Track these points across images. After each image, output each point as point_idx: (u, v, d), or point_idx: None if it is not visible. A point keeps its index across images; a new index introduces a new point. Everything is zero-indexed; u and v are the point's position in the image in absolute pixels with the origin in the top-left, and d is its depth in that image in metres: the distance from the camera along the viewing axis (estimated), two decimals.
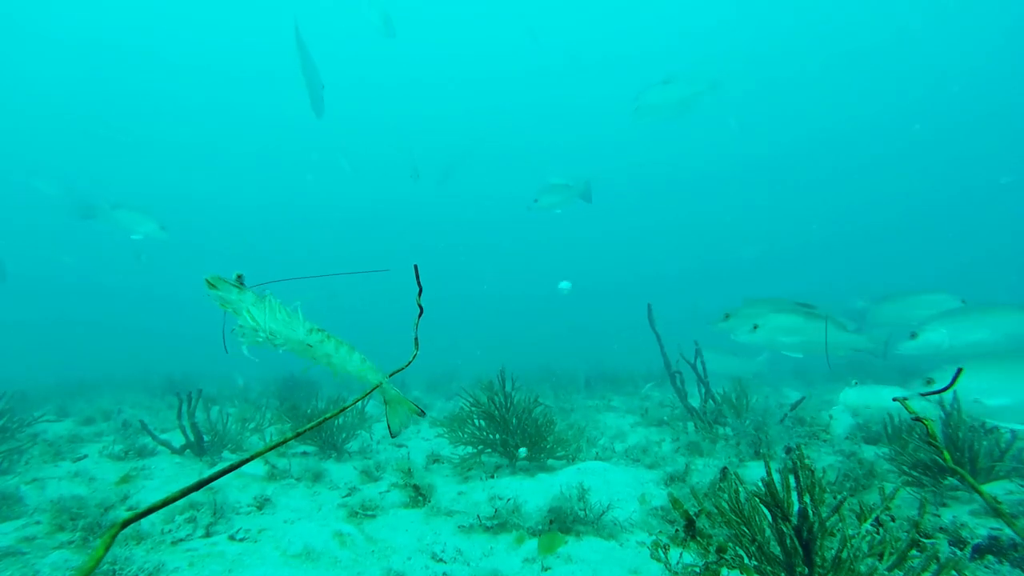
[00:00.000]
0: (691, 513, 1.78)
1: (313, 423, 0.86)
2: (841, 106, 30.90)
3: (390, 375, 1.68)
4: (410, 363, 1.52)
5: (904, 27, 27.65)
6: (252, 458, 0.82)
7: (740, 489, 1.93)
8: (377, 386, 1.18)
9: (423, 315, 1.55)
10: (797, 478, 1.79)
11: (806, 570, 1.86)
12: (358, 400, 1.11)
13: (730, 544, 1.76)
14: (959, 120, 29.64)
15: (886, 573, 1.68)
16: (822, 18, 27.74)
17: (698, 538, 1.81)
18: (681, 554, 2.19)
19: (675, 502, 1.82)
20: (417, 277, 1.49)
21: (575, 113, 34.77)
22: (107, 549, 0.60)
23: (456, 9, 31.49)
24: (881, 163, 34.11)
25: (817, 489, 1.76)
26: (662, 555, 2.02)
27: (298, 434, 0.87)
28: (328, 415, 0.95)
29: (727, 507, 1.84)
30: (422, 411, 2.51)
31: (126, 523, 0.61)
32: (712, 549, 1.71)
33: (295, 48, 8.00)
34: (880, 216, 36.46)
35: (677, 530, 1.78)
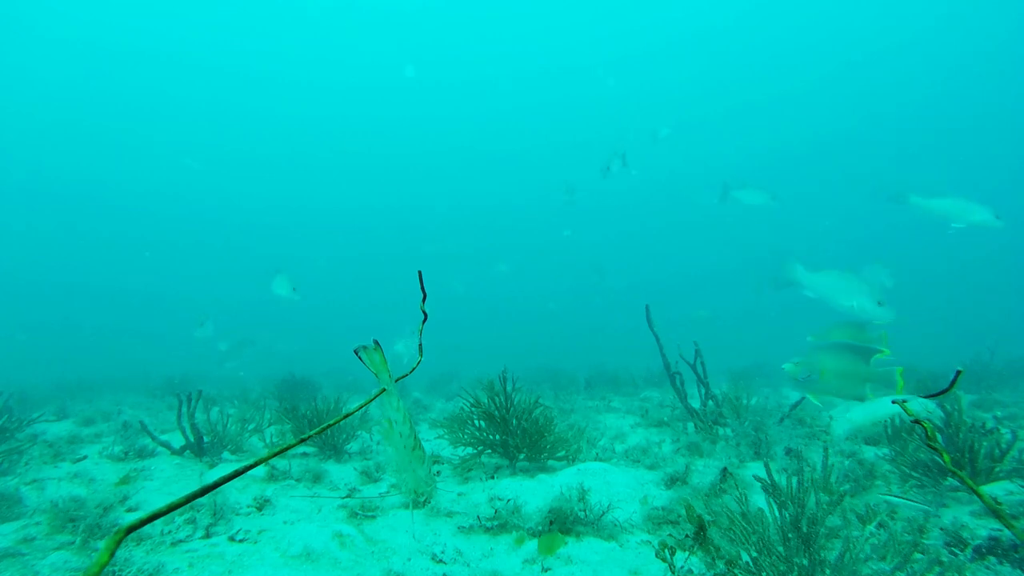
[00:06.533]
0: (704, 520, 1.78)
1: (317, 428, 0.86)
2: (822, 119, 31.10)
3: (396, 379, 1.68)
4: (415, 368, 1.52)
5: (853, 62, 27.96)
6: (256, 464, 0.82)
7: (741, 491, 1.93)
8: (381, 392, 1.18)
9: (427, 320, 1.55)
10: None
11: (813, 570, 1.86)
12: (361, 407, 1.11)
13: (742, 551, 1.76)
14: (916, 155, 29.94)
15: (891, 573, 1.68)
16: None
17: (707, 546, 1.81)
18: (687, 558, 2.19)
19: (688, 509, 1.82)
20: (421, 283, 1.48)
21: (570, 114, 34.80)
22: (111, 554, 0.60)
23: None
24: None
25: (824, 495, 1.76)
26: (667, 556, 2.02)
27: (302, 440, 0.87)
28: (332, 421, 0.95)
29: (736, 508, 1.84)
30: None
31: (131, 529, 0.60)
32: (721, 561, 1.71)
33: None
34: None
35: (687, 535, 1.78)
